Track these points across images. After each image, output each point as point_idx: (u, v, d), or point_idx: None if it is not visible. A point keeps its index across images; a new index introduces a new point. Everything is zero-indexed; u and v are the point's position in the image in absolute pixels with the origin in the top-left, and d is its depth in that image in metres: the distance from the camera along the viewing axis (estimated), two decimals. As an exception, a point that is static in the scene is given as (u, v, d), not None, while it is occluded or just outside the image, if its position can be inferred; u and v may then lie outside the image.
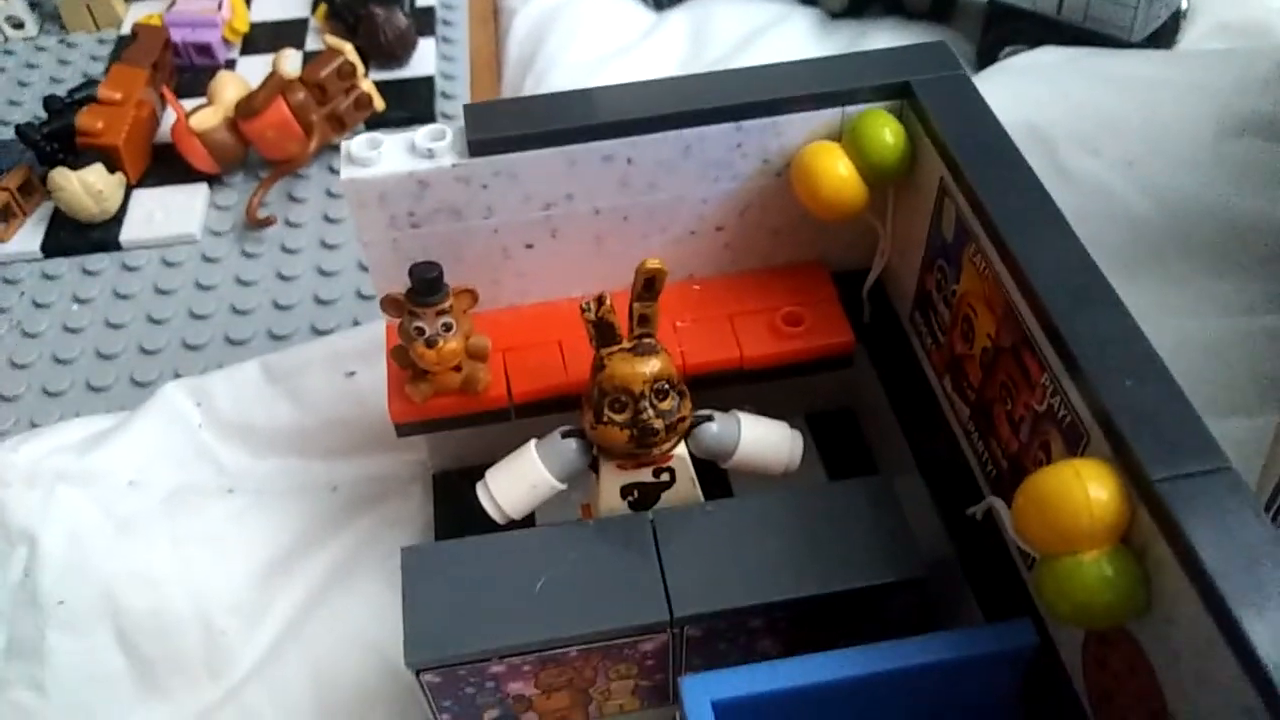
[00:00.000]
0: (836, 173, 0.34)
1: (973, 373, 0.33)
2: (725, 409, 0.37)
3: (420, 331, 0.34)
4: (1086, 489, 0.24)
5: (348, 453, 0.46)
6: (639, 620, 0.32)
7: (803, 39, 0.69)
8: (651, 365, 0.33)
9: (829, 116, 0.35)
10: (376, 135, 0.35)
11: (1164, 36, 0.62)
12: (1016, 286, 0.29)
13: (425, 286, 0.34)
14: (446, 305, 0.34)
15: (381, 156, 0.34)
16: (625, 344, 0.33)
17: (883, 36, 0.68)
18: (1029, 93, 0.54)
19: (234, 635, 0.41)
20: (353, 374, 0.47)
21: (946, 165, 0.32)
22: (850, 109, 0.35)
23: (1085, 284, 0.28)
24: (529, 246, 0.37)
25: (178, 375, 0.50)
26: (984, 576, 0.34)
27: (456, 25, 0.71)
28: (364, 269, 0.54)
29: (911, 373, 0.38)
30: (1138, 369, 0.26)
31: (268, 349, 0.51)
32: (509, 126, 0.34)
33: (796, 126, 0.35)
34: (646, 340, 0.33)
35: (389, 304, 0.34)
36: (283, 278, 0.55)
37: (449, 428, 0.38)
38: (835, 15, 0.70)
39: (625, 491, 0.35)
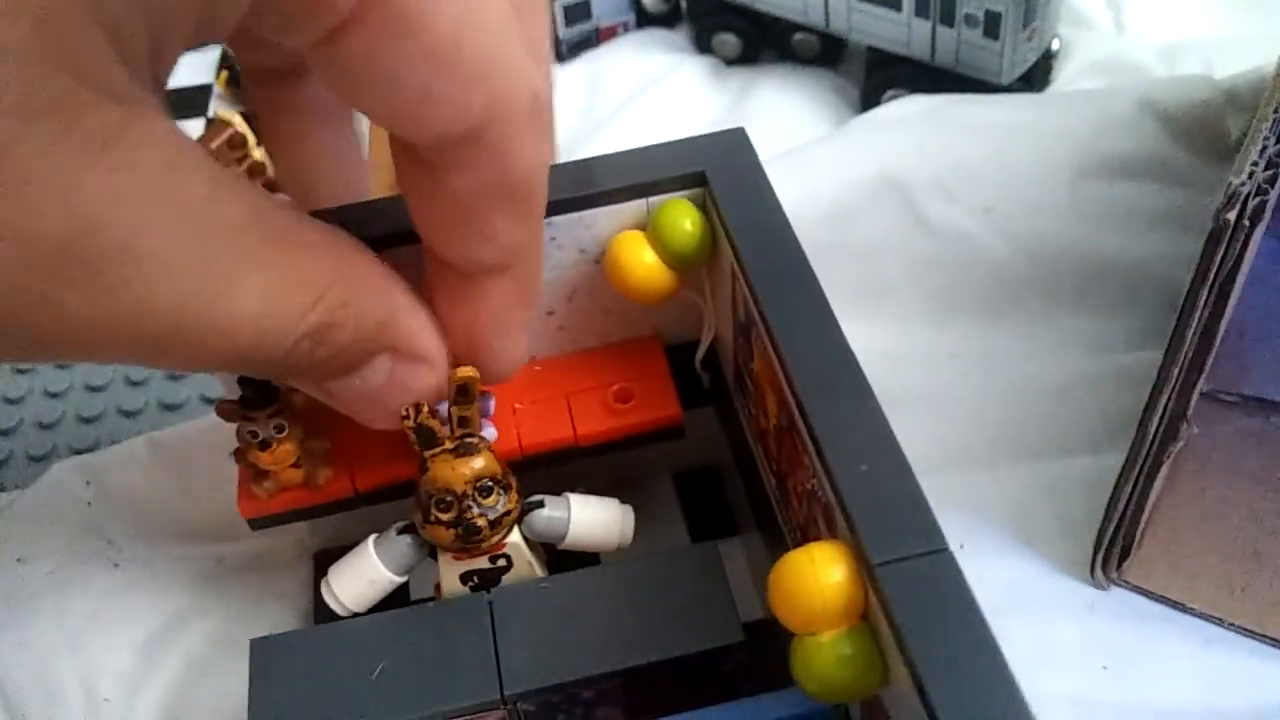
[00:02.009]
0: (642, 261, 0.36)
1: (771, 446, 0.35)
2: (570, 483, 0.38)
3: (254, 435, 0.36)
4: (819, 573, 0.26)
5: (232, 527, 0.47)
6: (470, 700, 0.34)
7: (696, 87, 0.71)
8: (474, 465, 0.34)
9: (634, 207, 0.37)
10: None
11: (1037, 77, 0.64)
12: (780, 371, 0.31)
13: (255, 393, 0.35)
14: (278, 408, 0.36)
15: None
16: (447, 445, 0.35)
17: (772, 83, 0.70)
18: (889, 144, 0.56)
19: (117, 704, 0.43)
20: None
21: (732, 254, 0.34)
22: (654, 199, 0.37)
23: (838, 374, 0.30)
24: (367, 340, 0.39)
25: (72, 449, 0.52)
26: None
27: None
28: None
29: (741, 439, 0.40)
30: (874, 454, 0.28)
31: (159, 419, 0.53)
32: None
33: (605, 218, 0.37)
34: (468, 440, 0.35)
35: (224, 411, 0.36)
36: (179, 351, 0.57)
37: (300, 519, 0.40)
38: (730, 63, 0.73)
39: (465, 578, 0.37)
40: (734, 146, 0.37)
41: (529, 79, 0.26)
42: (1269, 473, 0.37)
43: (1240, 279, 0.33)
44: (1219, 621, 0.41)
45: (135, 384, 0.55)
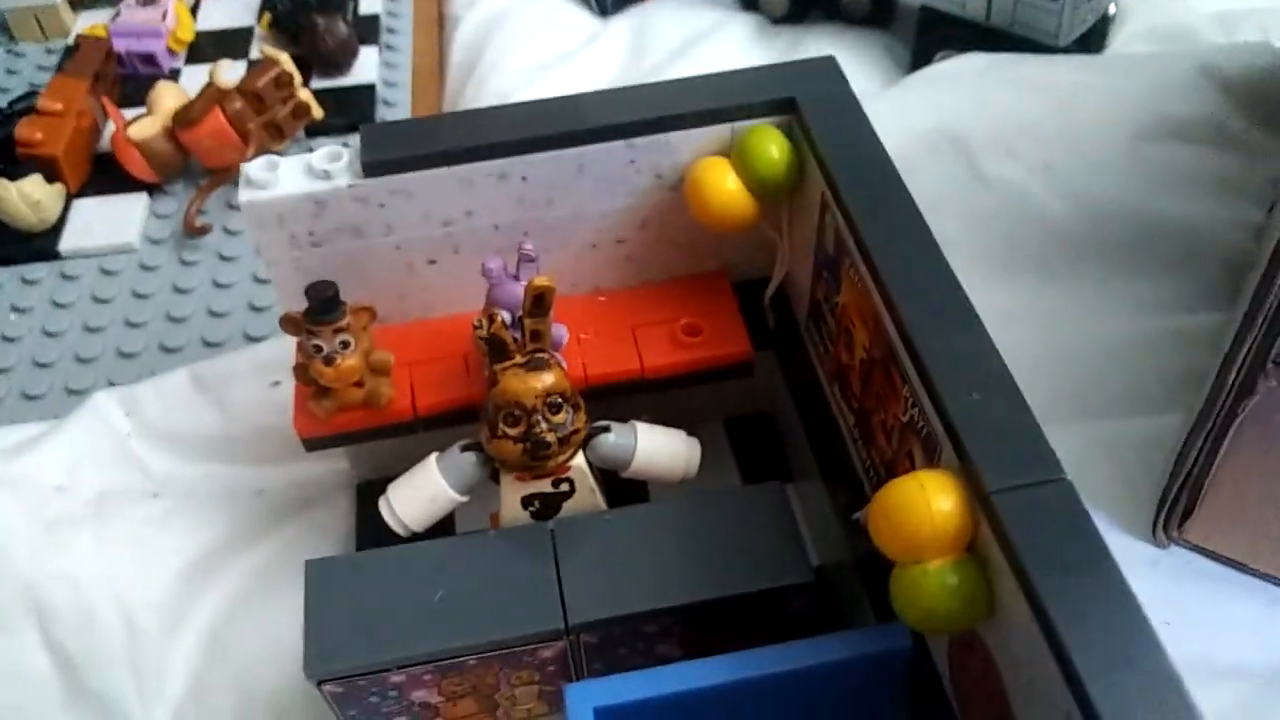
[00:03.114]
0: (725, 187, 0.35)
1: (854, 382, 0.34)
2: (628, 418, 0.38)
3: (319, 349, 0.35)
4: (930, 500, 0.25)
5: (274, 460, 0.47)
6: (533, 629, 0.33)
7: (741, 44, 0.69)
8: (544, 379, 0.34)
9: (718, 132, 0.36)
10: (274, 157, 0.36)
11: (1092, 41, 0.63)
12: (881, 302, 0.30)
13: (321, 306, 0.34)
14: (344, 323, 0.35)
15: (279, 178, 0.35)
16: (519, 359, 0.34)
17: (820, 42, 0.68)
18: (948, 99, 0.55)
19: (156, 634, 0.42)
20: (278, 383, 0.48)
21: (825, 181, 0.33)
22: (739, 124, 0.36)
23: (945, 302, 0.29)
24: (432, 262, 0.38)
25: (111, 383, 0.51)
26: (876, 579, 0.35)
27: (401, 33, 0.71)
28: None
29: (810, 379, 0.39)
30: (986, 383, 0.27)
31: (200, 356, 0.52)
32: (403, 147, 0.35)
33: (687, 142, 0.36)
34: (539, 355, 0.34)
35: (288, 323, 0.35)
36: (218, 285, 0.56)
37: (356, 441, 0.39)
38: (776, 21, 0.71)
39: (526, 502, 0.36)
40: (824, 74, 0.36)
41: None
42: (1329, 437, 0.37)
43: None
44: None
45: (176, 321, 0.54)
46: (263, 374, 0.49)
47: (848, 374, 0.34)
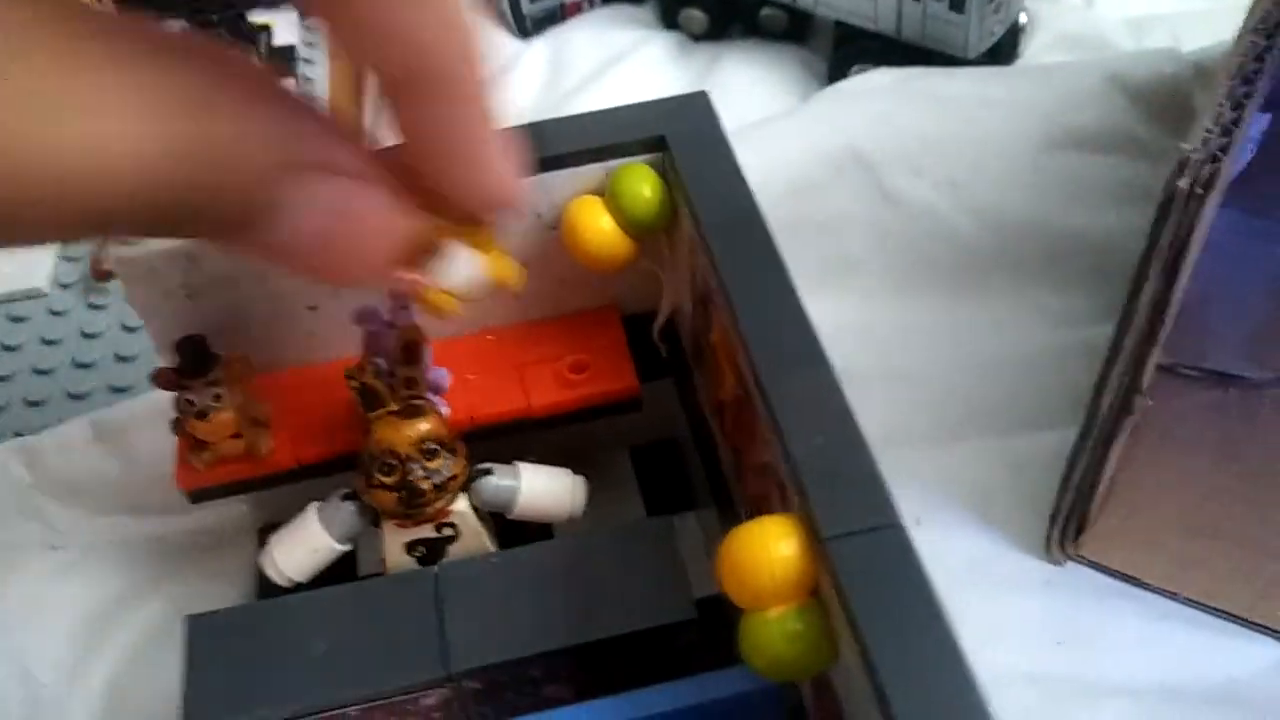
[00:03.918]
0: (599, 227, 0.35)
1: (727, 419, 0.34)
2: (523, 453, 0.37)
3: (191, 404, 0.35)
4: (769, 547, 0.25)
5: (176, 508, 0.46)
6: (414, 677, 0.33)
7: (661, 62, 0.69)
8: (419, 427, 0.34)
9: (593, 171, 0.36)
10: (143, 210, 0.35)
11: (1004, 51, 0.63)
12: (738, 343, 0.30)
13: (190, 361, 0.34)
14: (216, 376, 0.35)
15: (149, 232, 0.35)
16: (392, 406, 0.34)
17: (739, 58, 0.69)
18: (853, 117, 0.55)
19: (55, 690, 0.41)
20: (179, 429, 0.48)
21: (691, 221, 0.33)
22: (613, 163, 0.36)
23: (796, 346, 0.29)
24: (312, 308, 0.38)
25: (18, 434, 0.50)
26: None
27: (317, 63, 0.71)
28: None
29: (700, 411, 0.39)
30: (830, 427, 0.27)
31: (108, 402, 0.51)
32: (272, 196, 0.35)
33: (562, 182, 0.36)
34: (414, 403, 0.34)
35: (160, 378, 0.35)
36: (126, 329, 0.55)
37: (241, 491, 0.38)
38: (697, 38, 0.71)
39: (410, 548, 0.36)
40: (696, 111, 0.36)
41: None
42: (1228, 446, 0.37)
43: (1192, 249, 0.32)
44: (1173, 596, 0.41)
45: (83, 367, 0.54)
46: (164, 420, 0.48)
47: (723, 410, 0.35)
